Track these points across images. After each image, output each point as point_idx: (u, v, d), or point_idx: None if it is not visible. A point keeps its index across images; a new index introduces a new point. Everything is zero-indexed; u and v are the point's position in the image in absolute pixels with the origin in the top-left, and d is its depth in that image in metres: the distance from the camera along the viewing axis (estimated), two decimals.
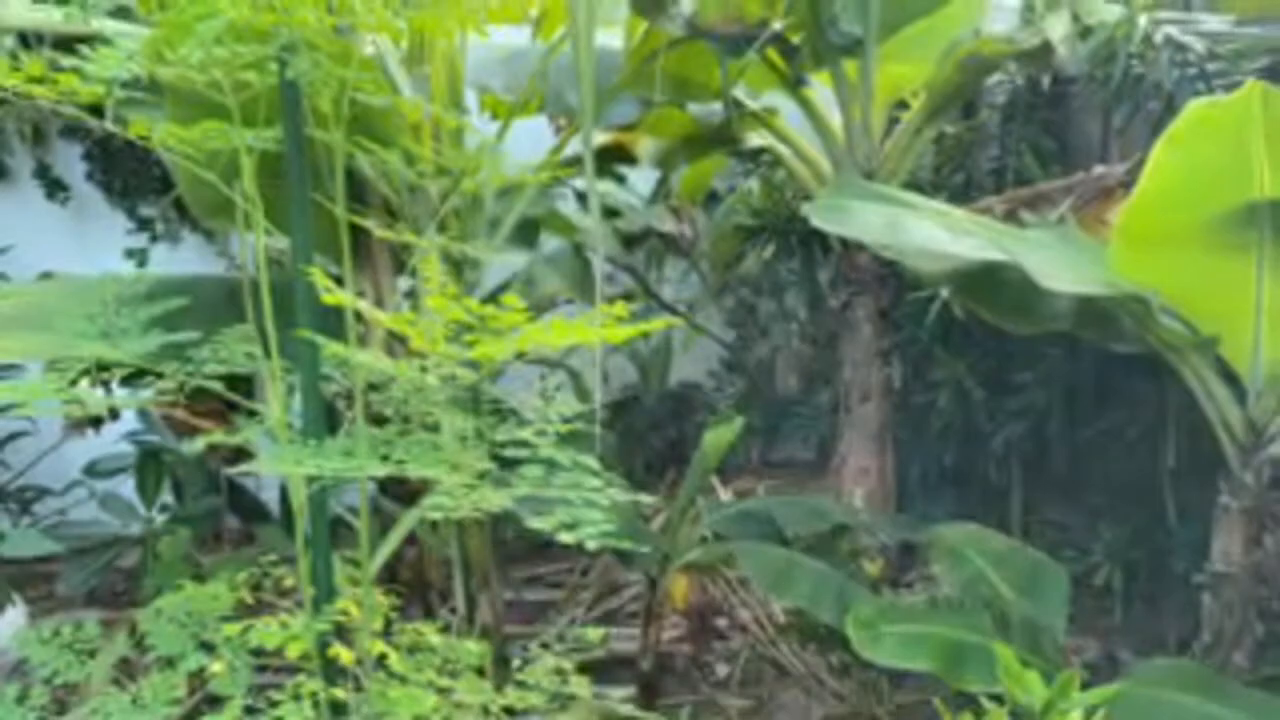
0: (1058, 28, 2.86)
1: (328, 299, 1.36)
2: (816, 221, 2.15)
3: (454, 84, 2.80)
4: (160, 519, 3.84)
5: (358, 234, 2.56)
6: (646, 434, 4.54)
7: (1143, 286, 2.06)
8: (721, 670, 3.34)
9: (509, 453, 1.45)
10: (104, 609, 3.78)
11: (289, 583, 1.65)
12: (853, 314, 3.61)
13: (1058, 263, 2.05)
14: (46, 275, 2.47)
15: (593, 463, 1.27)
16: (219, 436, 1.45)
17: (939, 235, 2.05)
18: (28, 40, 2.47)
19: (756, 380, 4.93)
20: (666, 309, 4.42)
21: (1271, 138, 1.69)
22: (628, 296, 4.75)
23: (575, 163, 3.54)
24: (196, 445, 1.46)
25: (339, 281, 1.71)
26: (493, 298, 3.39)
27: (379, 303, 2.85)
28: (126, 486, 3.90)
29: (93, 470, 3.83)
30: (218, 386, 1.63)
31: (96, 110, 1.54)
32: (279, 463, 1.32)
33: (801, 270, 4.38)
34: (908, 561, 3.65)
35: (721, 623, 3.42)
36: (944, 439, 3.65)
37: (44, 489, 4.05)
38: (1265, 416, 2.25)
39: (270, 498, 3.82)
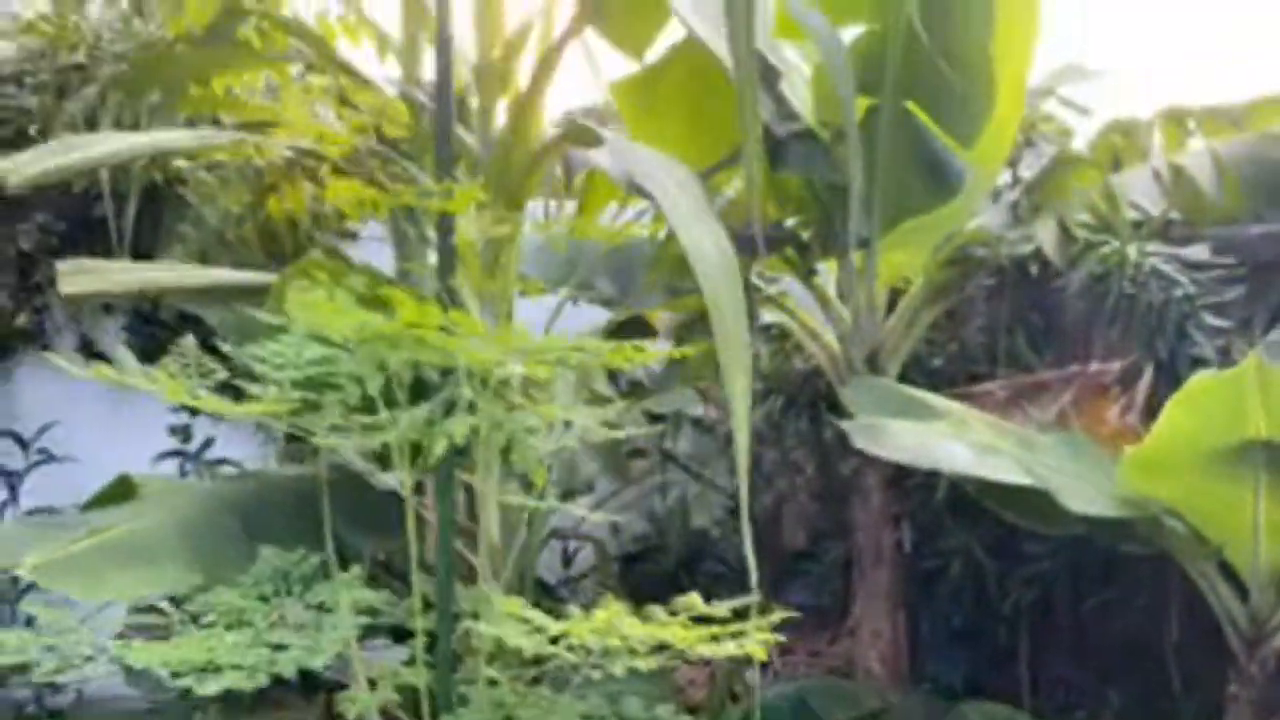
0: (1048, 237, 3.18)
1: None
2: (859, 443, 2.37)
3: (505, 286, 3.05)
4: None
5: None
6: (665, 587, 4.64)
7: (1152, 501, 2.29)
8: None
9: None
10: None
11: None
12: (863, 480, 3.82)
13: (1076, 480, 2.28)
14: (124, 482, 2.60)
15: None
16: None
17: (964, 456, 2.28)
18: None
19: (762, 530, 5.08)
20: (681, 468, 4.62)
21: (1265, 398, 1.96)
22: (641, 453, 4.95)
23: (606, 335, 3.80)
24: None
25: None
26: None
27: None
28: None
29: None
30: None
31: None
32: None
33: (808, 430, 4.60)
34: None
35: None
36: (954, 602, 3.81)
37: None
38: (1266, 612, 2.46)
39: None
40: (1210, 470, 2.16)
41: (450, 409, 1.73)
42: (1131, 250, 2.67)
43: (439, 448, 1.67)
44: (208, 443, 4.38)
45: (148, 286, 2.46)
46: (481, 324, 1.78)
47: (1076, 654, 3.68)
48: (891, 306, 3.97)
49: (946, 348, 4.25)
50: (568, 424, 1.95)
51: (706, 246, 1.94)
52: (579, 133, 2.43)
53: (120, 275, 2.45)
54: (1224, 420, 2.04)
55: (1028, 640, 3.82)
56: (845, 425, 2.49)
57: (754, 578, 1.80)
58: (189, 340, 1.84)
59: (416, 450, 1.84)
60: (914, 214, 3.60)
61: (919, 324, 3.85)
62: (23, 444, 4.03)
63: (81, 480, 3.84)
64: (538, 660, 1.78)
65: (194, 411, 4.31)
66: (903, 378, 3.70)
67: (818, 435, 4.65)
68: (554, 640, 1.51)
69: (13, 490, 4.02)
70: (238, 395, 4.30)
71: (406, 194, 1.96)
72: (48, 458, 4.03)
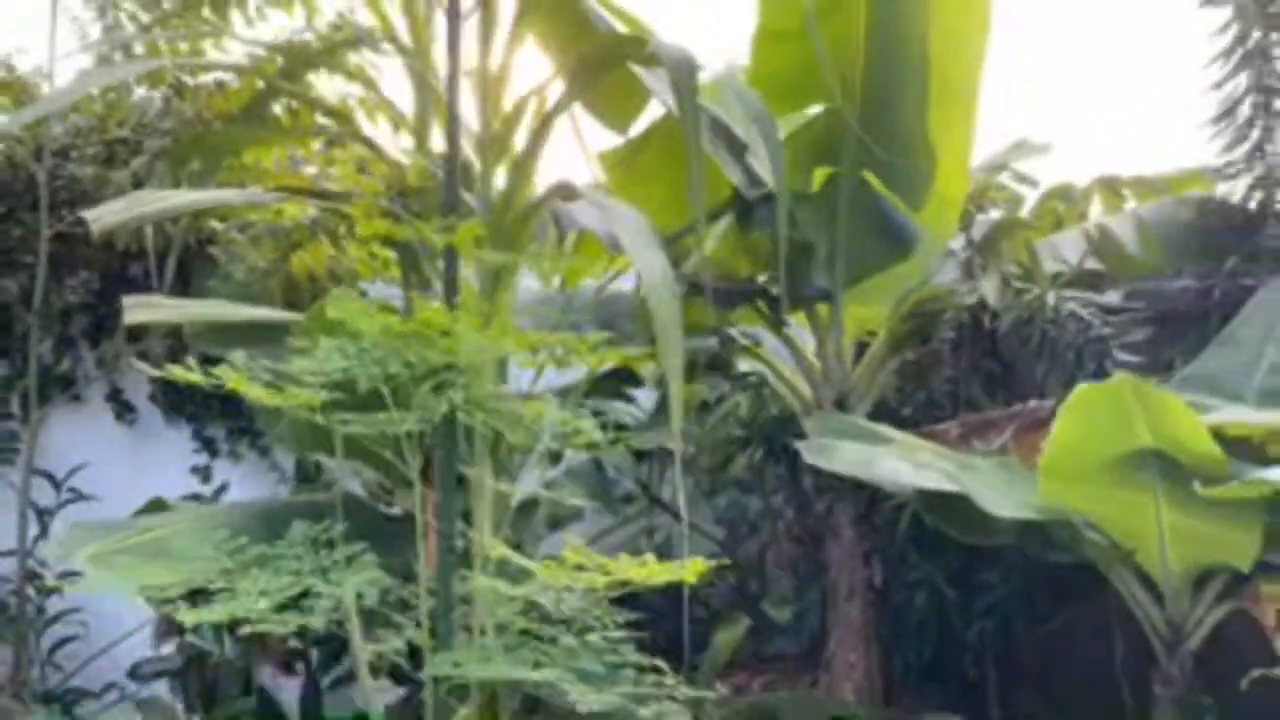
0: (991, 288, 3.54)
1: None
2: (808, 458, 2.68)
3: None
4: None
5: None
6: (650, 628, 4.86)
7: (1068, 510, 2.58)
8: None
9: None
10: None
11: None
12: (835, 519, 4.10)
13: (1000, 490, 2.58)
14: (158, 501, 2.91)
15: None
16: None
17: (904, 469, 2.58)
18: None
19: (747, 576, 5.32)
20: (666, 510, 4.89)
21: (1147, 413, 2.29)
22: (630, 499, 5.22)
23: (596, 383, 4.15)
24: None
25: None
26: (527, 506, 3.85)
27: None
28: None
29: (136, 673, 4.10)
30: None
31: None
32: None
33: (787, 475, 4.89)
34: None
35: None
36: (922, 634, 4.05)
37: (83, 691, 4.29)
38: (1180, 616, 2.73)
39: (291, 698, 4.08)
40: (1111, 478, 2.45)
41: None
42: (1050, 296, 3.02)
43: (442, 407, 2.01)
44: (224, 486, 4.68)
45: (199, 319, 2.81)
46: (482, 323, 2.12)
47: (1037, 681, 3.90)
48: (860, 357, 4.33)
49: (915, 397, 4.58)
50: (566, 434, 2.28)
51: (654, 264, 2.32)
52: (563, 189, 2.82)
53: (178, 309, 2.82)
54: (1112, 430, 2.34)
55: (993, 670, 4.04)
56: (800, 445, 2.80)
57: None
58: (239, 354, 2.18)
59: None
60: (873, 271, 3.99)
61: (884, 372, 4.20)
62: (55, 483, 4.35)
63: (107, 517, 4.16)
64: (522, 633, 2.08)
65: (213, 454, 4.66)
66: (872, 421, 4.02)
67: (796, 481, 4.94)
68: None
69: (44, 527, 4.32)
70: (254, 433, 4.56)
71: (422, 229, 2.33)
72: (77, 496, 4.34)
